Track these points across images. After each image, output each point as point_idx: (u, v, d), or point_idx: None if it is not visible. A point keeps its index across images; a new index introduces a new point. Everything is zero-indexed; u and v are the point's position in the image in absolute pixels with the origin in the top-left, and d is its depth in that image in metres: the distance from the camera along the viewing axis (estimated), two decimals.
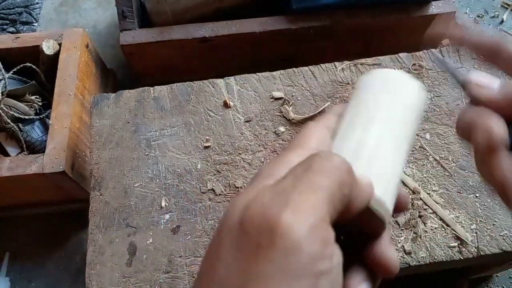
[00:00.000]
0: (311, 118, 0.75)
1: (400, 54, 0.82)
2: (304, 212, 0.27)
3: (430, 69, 0.80)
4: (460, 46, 0.41)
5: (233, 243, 0.28)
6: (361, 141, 0.34)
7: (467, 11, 1.38)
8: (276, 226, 0.26)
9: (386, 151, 0.34)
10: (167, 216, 0.68)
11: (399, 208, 0.35)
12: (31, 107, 1.07)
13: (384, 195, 0.32)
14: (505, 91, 0.34)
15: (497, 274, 1.04)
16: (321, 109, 0.76)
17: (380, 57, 0.82)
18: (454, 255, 0.64)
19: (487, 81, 0.35)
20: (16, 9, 1.45)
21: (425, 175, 0.70)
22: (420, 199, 0.68)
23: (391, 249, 0.33)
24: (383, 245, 0.33)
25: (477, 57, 0.38)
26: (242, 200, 0.29)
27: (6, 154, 1.04)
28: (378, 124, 0.35)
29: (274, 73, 0.81)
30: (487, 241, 0.65)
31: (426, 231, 0.66)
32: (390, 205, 0.32)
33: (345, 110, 0.37)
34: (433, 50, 0.45)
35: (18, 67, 1.06)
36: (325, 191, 0.28)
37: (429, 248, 0.64)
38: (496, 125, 0.32)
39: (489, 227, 0.66)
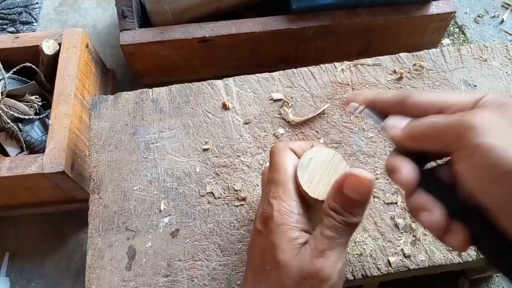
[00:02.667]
0: (310, 120, 0.75)
1: (400, 54, 0.82)
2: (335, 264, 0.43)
3: (431, 70, 0.80)
4: (371, 108, 0.49)
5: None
6: None
7: (467, 11, 1.37)
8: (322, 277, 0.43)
9: None
10: (166, 220, 0.68)
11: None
12: (31, 107, 1.07)
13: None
14: (407, 129, 0.43)
15: (497, 274, 1.04)
16: (320, 110, 0.76)
17: (380, 57, 0.82)
18: (454, 258, 0.64)
19: (397, 123, 0.45)
20: (16, 9, 1.44)
21: None
22: None
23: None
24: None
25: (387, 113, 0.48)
26: (288, 253, 0.44)
27: (6, 154, 1.04)
28: None
29: (273, 74, 0.80)
30: None
31: (425, 235, 0.65)
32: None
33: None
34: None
35: (17, 67, 1.06)
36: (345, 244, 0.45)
37: (428, 251, 0.64)
38: (405, 171, 0.42)
39: None
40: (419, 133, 0.42)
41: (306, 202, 0.48)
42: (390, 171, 0.44)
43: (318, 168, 0.47)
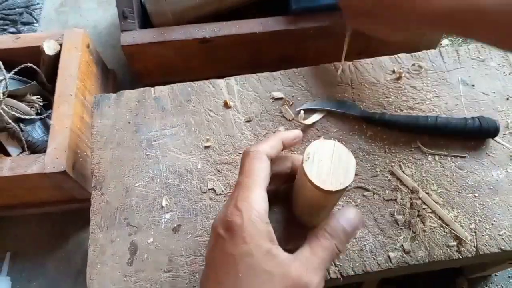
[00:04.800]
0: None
1: (400, 55, 0.83)
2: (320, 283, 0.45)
3: (429, 70, 0.81)
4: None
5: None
6: None
7: None
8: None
9: None
10: (167, 216, 0.68)
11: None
12: (32, 107, 1.08)
13: None
14: None
15: (496, 274, 1.04)
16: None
17: (380, 57, 0.82)
18: (453, 254, 0.65)
19: None
20: (17, 9, 1.45)
21: (424, 175, 0.70)
22: (419, 198, 0.68)
23: None
24: None
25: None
26: (269, 262, 0.44)
27: (7, 154, 1.04)
28: None
29: (274, 73, 0.81)
30: (485, 240, 0.65)
31: (425, 231, 0.66)
32: None
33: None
34: None
35: (19, 68, 1.06)
36: (329, 264, 0.47)
37: (428, 247, 0.65)
38: None
39: (488, 227, 0.66)
40: None
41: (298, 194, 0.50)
42: None
43: (323, 161, 0.48)
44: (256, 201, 0.46)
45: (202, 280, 0.48)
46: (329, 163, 0.48)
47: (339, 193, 0.47)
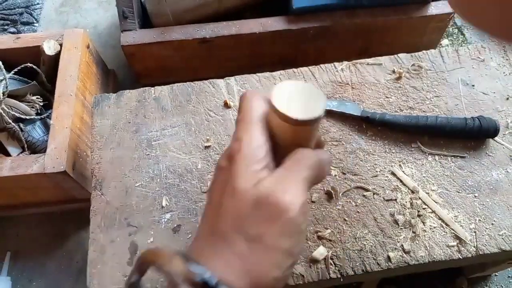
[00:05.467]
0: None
1: (400, 55, 0.83)
2: (296, 197, 0.42)
3: (429, 70, 0.81)
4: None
5: (249, 213, 0.42)
6: None
7: None
8: (281, 205, 0.41)
9: None
10: (168, 216, 0.68)
11: None
12: (32, 107, 1.08)
13: None
14: None
15: (496, 274, 1.04)
16: None
17: (379, 58, 0.82)
18: (453, 254, 0.65)
19: None
20: (17, 9, 1.45)
21: (424, 175, 0.70)
22: (419, 198, 0.68)
23: None
24: None
25: None
26: (248, 182, 0.43)
27: (8, 154, 1.05)
28: None
29: (274, 73, 0.81)
30: (485, 240, 0.65)
31: (425, 231, 0.66)
32: None
33: None
34: None
35: (19, 68, 1.06)
36: (306, 180, 0.44)
37: (428, 247, 0.65)
38: None
39: (488, 227, 0.66)
40: None
41: (275, 141, 0.47)
42: None
43: (292, 97, 0.44)
44: (256, 130, 0.45)
45: (204, 213, 0.47)
46: (299, 97, 0.44)
47: (311, 125, 0.44)
